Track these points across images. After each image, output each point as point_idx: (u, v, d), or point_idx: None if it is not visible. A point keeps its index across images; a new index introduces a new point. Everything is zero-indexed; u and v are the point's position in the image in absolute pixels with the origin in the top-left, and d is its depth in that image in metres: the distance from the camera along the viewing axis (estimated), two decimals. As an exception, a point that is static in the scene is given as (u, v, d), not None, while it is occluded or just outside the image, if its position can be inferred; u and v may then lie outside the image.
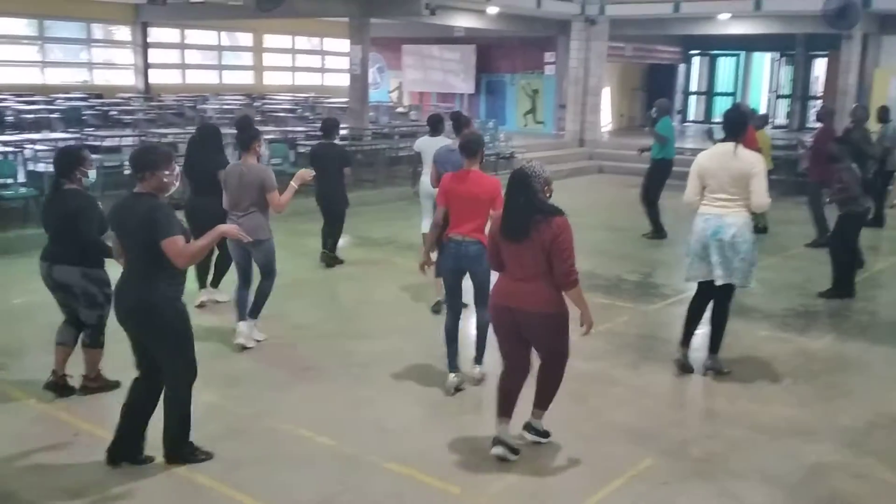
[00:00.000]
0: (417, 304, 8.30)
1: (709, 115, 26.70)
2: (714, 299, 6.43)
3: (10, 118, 15.98)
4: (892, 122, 12.79)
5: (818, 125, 12.12)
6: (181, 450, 4.79)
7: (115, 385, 5.73)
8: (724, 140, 6.21)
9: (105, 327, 5.69)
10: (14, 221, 10.44)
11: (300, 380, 6.23)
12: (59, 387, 5.72)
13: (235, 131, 7.88)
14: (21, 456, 4.91)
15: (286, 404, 5.74)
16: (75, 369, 5.77)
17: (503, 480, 4.76)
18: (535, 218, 4.67)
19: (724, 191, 6.07)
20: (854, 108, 11.51)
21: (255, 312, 6.87)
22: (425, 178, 8.65)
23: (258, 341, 6.88)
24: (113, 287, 4.91)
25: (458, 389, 6.01)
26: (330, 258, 9.62)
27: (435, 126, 8.90)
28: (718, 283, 6.19)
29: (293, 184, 6.52)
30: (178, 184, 4.72)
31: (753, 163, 6.03)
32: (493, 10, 18.90)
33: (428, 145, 8.74)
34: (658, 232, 11.46)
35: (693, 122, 26.40)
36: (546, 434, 5.20)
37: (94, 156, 11.56)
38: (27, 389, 5.78)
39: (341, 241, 9.86)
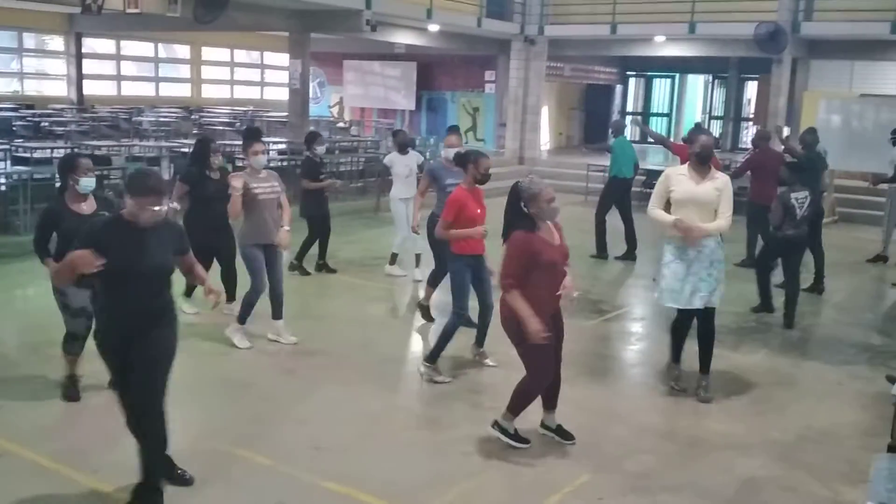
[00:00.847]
0: (363, 319, 8.26)
1: (644, 135, 27.17)
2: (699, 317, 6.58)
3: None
4: (818, 143, 13.20)
5: (750, 147, 12.43)
6: None
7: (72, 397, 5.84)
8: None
9: (71, 336, 5.79)
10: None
11: (238, 398, 6.12)
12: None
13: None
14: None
15: (223, 423, 5.63)
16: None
17: (440, 498, 4.74)
18: (508, 230, 5.19)
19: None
20: (803, 132, 11.84)
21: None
22: (395, 193, 9.87)
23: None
24: (67, 296, 5.49)
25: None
26: (292, 265, 9.82)
27: (402, 146, 10.00)
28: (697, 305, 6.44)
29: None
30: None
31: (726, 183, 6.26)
32: (434, 27, 19.00)
33: (398, 161, 9.91)
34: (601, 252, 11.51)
35: (635, 142, 26.82)
36: (507, 434, 5.38)
37: (21, 168, 11.40)
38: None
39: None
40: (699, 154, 6.21)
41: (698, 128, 10.28)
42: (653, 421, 6.03)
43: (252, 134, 7.89)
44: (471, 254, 6.59)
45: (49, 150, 13.48)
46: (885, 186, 11.90)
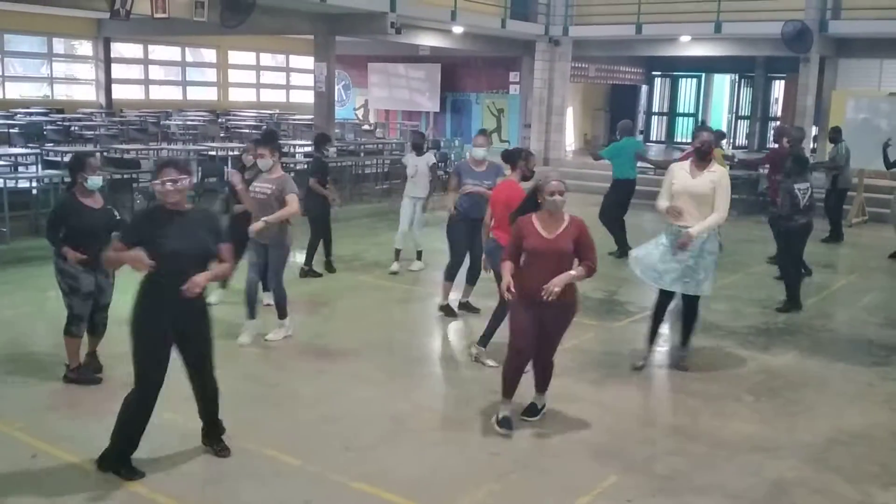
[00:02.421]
0: (384, 320, 8.29)
1: (671, 135, 27.05)
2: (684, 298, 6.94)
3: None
4: (843, 141, 13.11)
5: (775, 145, 12.43)
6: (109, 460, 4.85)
7: (94, 381, 6.18)
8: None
9: (77, 318, 6.09)
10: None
11: (265, 398, 6.17)
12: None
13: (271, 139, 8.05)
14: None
15: (251, 422, 5.67)
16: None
17: (468, 498, 4.75)
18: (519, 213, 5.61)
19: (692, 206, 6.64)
20: (791, 128, 12.02)
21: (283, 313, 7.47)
22: (409, 189, 10.10)
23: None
24: (79, 280, 5.92)
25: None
26: (304, 272, 9.84)
27: (418, 147, 10.30)
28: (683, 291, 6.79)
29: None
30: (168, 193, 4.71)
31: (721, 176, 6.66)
32: (458, 29, 19.02)
33: (412, 162, 10.17)
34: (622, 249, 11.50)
35: (655, 142, 26.71)
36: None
37: (52, 171, 11.56)
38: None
39: (302, 258, 9.86)
40: (699, 149, 6.66)
41: (703, 125, 10.50)
42: (681, 422, 6.00)
43: (264, 137, 8.36)
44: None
45: (79, 154, 13.64)
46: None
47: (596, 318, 8.57)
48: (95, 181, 6.01)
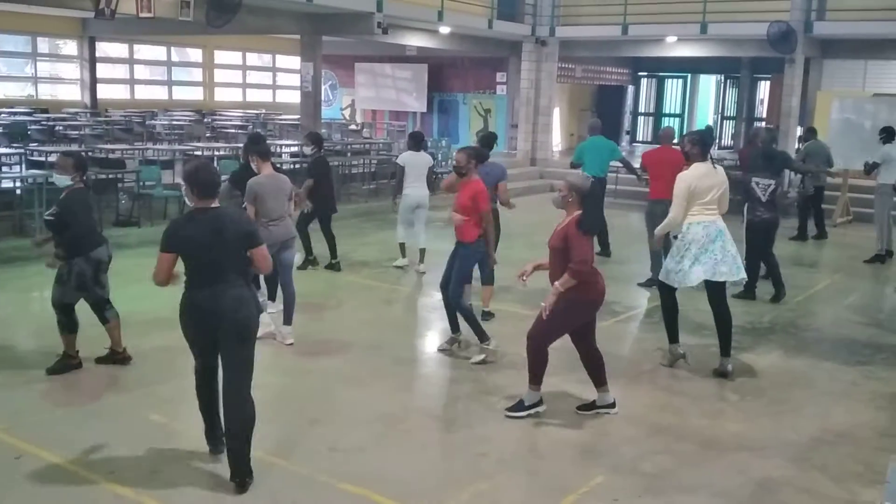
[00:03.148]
0: (372, 320, 8.28)
1: (656, 135, 27.15)
2: (714, 300, 7.00)
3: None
4: (816, 141, 13.34)
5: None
6: None
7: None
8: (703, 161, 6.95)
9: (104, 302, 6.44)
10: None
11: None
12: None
13: (252, 144, 8.03)
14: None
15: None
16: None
17: (455, 499, 4.75)
18: None
19: (714, 202, 6.89)
20: (758, 128, 12.32)
21: (290, 319, 7.46)
22: (409, 191, 10.06)
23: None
24: None
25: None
26: (332, 265, 10.19)
27: (417, 143, 10.37)
28: (724, 279, 6.83)
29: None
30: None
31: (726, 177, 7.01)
32: (445, 29, 19.01)
33: (411, 160, 10.13)
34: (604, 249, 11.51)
35: (641, 142, 26.81)
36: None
37: (37, 171, 11.48)
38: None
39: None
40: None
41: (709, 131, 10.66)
42: (667, 422, 6.02)
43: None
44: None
45: (63, 154, 13.56)
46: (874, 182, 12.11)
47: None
48: (59, 180, 6.02)
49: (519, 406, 5.86)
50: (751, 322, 8.61)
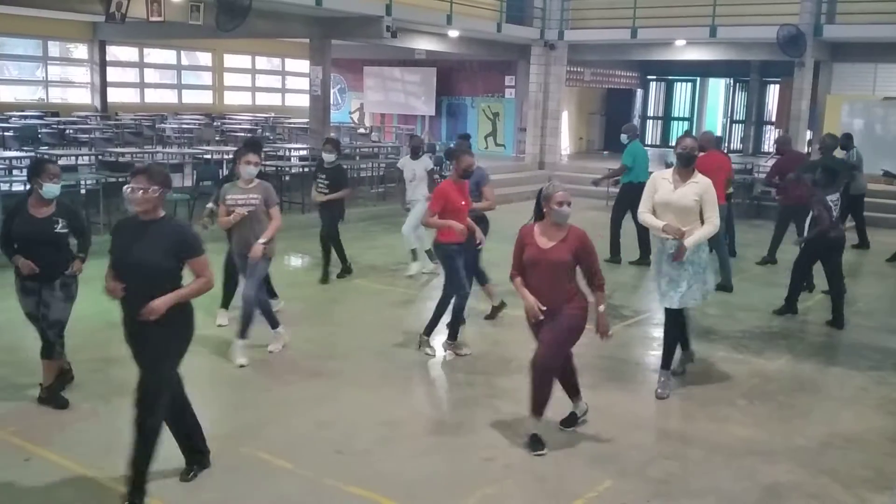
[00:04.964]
0: (378, 324, 8.28)
1: (665, 139, 27.10)
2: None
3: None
4: (855, 148, 13.13)
5: (775, 152, 12.35)
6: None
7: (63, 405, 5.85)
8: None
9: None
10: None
11: (259, 402, 6.16)
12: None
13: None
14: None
15: (244, 426, 5.66)
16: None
17: (463, 502, 4.74)
18: None
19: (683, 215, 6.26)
20: (823, 136, 11.83)
21: (274, 324, 7.30)
22: (409, 196, 10.28)
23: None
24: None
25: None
26: (344, 270, 10.13)
27: (414, 150, 10.43)
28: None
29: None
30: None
31: (709, 188, 6.24)
32: (453, 33, 19.03)
33: (409, 165, 10.31)
34: (614, 256, 11.46)
35: (650, 146, 26.77)
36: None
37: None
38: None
39: (299, 262, 9.85)
40: (679, 155, 6.33)
41: (686, 134, 10.32)
42: (675, 427, 6.00)
43: (247, 144, 7.89)
44: (452, 242, 7.10)
45: (74, 158, 13.63)
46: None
47: (590, 322, 8.55)
48: (51, 189, 5.62)
49: (537, 443, 5.43)
50: (759, 327, 8.58)
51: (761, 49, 18.49)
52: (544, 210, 5.38)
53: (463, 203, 7.13)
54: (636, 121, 26.28)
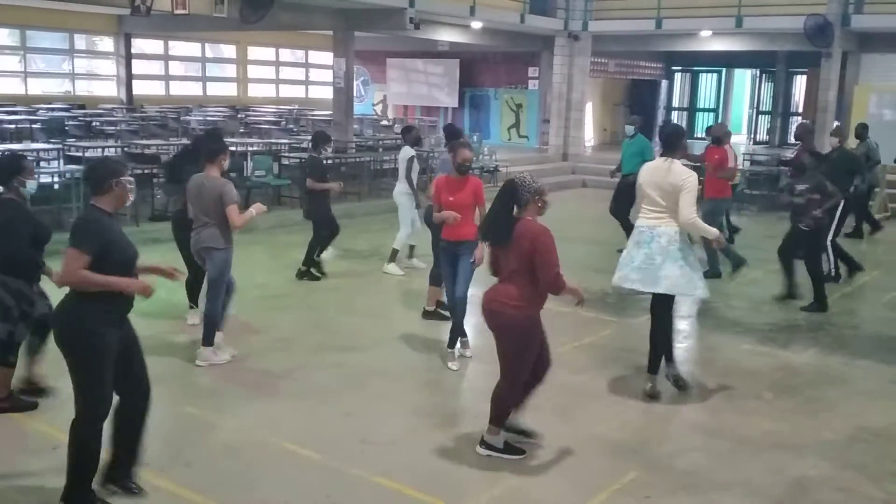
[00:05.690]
0: (403, 315, 8.30)
1: (691, 130, 26.91)
2: (653, 310, 6.36)
3: (-9, 128, 15.88)
4: (870, 138, 13.00)
5: (797, 143, 12.24)
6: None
7: (30, 406, 5.62)
8: (661, 155, 6.34)
9: (17, 345, 5.52)
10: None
11: (284, 391, 6.19)
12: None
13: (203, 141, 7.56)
14: None
15: (270, 416, 5.70)
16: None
17: (488, 493, 4.76)
18: (504, 226, 4.93)
19: (658, 203, 6.09)
20: (835, 127, 11.82)
21: (206, 339, 6.61)
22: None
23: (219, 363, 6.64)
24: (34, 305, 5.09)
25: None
26: (301, 273, 9.53)
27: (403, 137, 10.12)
28: (629, 286, 6.22)
29: (252, 212, 6.50)
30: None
31: (685, 178, 6.00)
32: (477, 24, 18.99)
33: (398, 155, 10.14)
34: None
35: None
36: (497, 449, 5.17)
37: (74, 167, 11.64)
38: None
39: (324, 254, 9.83)
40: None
41: (670, 125, 10.52)
42: (701, 419, 5.98)
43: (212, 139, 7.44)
44: (445, 238, 6.88)
45: (100, 150, 13.75)
46: None
47: (614, 314, 8.55)
48: (33, 185, 5.49)
49: (501, 448, 5.18)
50: (786, 319, 8.52)
51: (788, 39, 18.31)
52: (531, 207, 4.93)
53: (451, 199, 6.78)
54: (661, 112, 26.14)
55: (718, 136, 10.66)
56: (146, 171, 12.00)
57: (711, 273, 9.44)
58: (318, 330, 7.77)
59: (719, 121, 24.76)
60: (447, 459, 5.15)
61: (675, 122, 23.84)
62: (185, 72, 25.22)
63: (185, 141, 16.29)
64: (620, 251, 6.49)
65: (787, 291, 9.09)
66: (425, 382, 6.51)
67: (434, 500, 4.66)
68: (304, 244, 9.60)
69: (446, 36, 19.52)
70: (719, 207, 10.45)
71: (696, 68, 26.64)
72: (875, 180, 13.25)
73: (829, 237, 9.65)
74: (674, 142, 6.30)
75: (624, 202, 11.36)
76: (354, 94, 19.62)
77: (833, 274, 9.96)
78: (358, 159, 15.99)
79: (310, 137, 11.27)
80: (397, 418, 5.74)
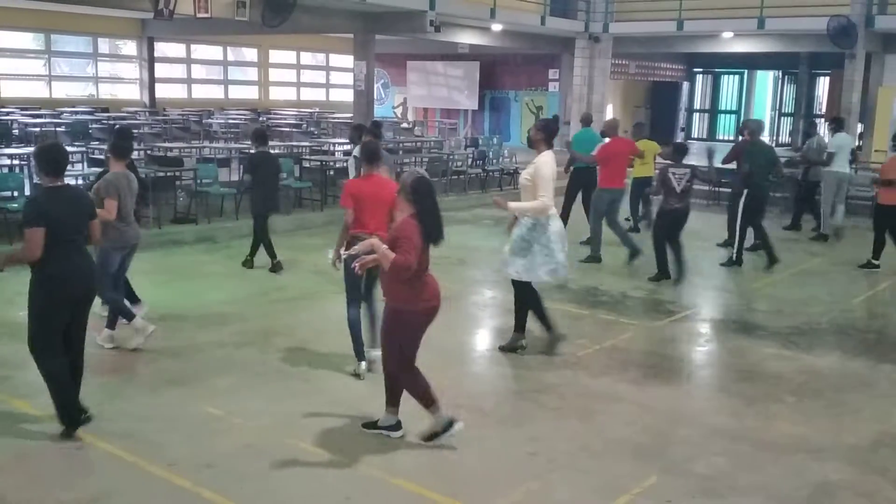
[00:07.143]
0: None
1: (712, 132, 26.76)
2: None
3: (15, 132, 16.05)
4: (816, 135, 13.29)
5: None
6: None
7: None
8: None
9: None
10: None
11: (301, 392, 6.21)
12: None
13: (115, 139, 7.92)
14: (20, 466, 4.91)
15: (287, 417, 5.72)
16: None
17: (507, 497, 4.75)
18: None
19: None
20: (752, 121, 12.25)
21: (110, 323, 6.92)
22: None
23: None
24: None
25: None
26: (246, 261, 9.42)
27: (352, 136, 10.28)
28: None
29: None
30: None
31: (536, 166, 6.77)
32: (497, 27, 18.99)
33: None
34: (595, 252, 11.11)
35: (696, 139, 26.46)
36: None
37: (98, 169, 11.73)
38: (30, 400, 5.77)
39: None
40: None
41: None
42: (722, 423, 5.94)
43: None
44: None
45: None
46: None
47: (635, 317, 8.51)
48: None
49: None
50: (808, 322, 8.45)
51: (811, 41, 18.19)
52: (424, 203, 5.12)
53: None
54: (682, 114, 26.03)
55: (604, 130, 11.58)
56: (168, 174, 12.09)
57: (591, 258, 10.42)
58: (340, 333, 7.77)
59: (746, 119, 24.62)
60: (468, 462, 5.15)
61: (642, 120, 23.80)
62: (206, 75, 25.41)
63: (206, 143, 16.42)
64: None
65: (661, 271, 9.79)
66: (445, 384, 6.47)
67: (454, 503, 4.66)
68: (323, 247, 9.66)
69: (466, 38, 19.55)
70: (601, 198, 10.78)
71: (717, 70, 26.50)
72: (818, 175, 13.01)
73: (738, 223, 10.56)
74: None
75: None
76: (375, 97, 19.68)
77: (735, 259, 10.62)
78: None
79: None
80: (417, 420, 5.74)
